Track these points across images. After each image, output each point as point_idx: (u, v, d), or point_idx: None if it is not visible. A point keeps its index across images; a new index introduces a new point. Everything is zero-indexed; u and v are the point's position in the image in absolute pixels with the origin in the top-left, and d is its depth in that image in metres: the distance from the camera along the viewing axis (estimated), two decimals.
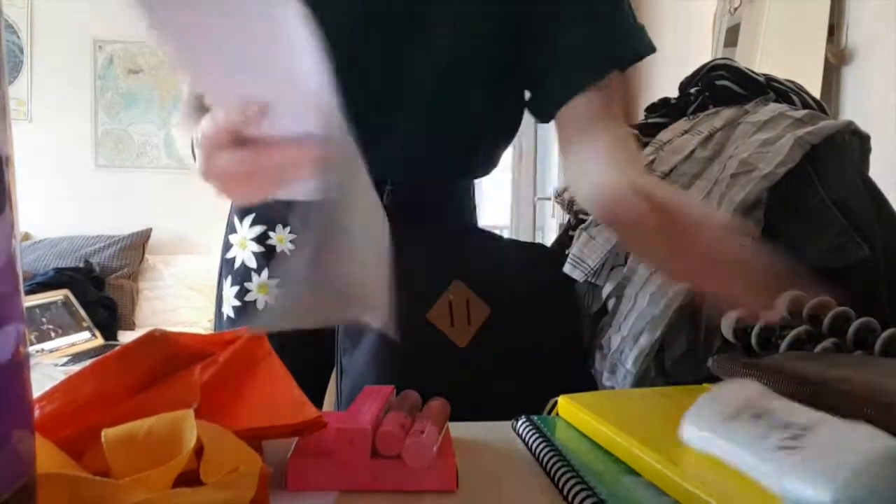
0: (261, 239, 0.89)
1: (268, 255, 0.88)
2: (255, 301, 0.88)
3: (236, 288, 0.89)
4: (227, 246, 0.92)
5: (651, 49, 0.82)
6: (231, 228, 0.92)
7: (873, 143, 0.83)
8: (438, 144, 0.85)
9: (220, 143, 0.51)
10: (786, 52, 1.80)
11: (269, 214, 0.89)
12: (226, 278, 0.91)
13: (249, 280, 0.88)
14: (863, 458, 0.32)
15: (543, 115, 0.84)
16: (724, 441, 0.40)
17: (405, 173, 0.85)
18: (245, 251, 0.89)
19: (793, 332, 0.59)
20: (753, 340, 0.61)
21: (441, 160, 0.87)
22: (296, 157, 0.49)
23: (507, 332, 0.77)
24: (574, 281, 0.86)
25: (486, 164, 0.92)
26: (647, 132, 0.93)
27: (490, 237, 0.92)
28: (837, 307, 0.60)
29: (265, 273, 0.88)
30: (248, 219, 0.90)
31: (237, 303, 0.89)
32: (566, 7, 0.78)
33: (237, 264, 0.90)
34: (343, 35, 0.77)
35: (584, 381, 0.84)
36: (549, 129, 3.15)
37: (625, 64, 0.81)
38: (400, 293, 0.77)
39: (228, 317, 0.90)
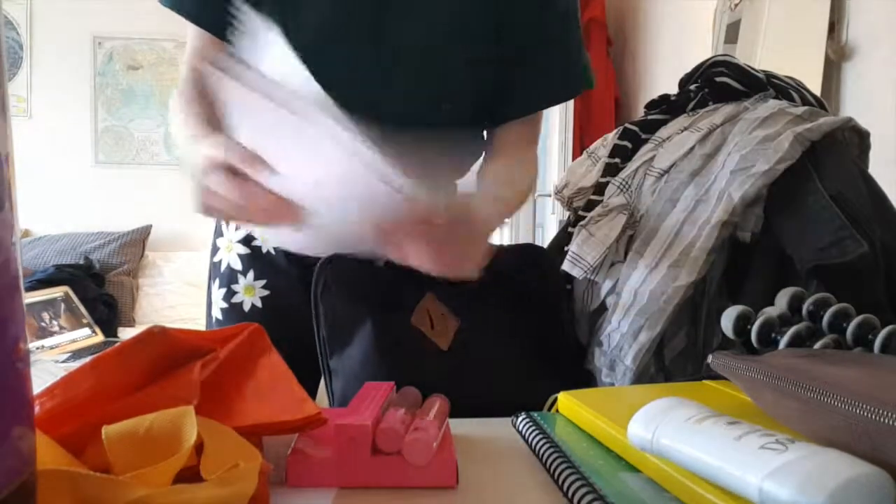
0: (246, 241, 0.89)
1: (253, 257, 0.89)
2: (241, 303, 0.88)
3: (223, 290, 0.90)
4: (214, 250, 0.93)
5: (590, 86, 0.90)
6: (218, 232, 0.93)
7: (873, 140, 0.83)
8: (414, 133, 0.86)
9: (218, 167, 0.55)
10: (786, 48, 1.80)
11: None
12: (214, 281, 0.92)
13: (236, 282, 0.89)
14: (855, 470, 0.32)
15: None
16: (692, 440, 0.38)
17: None
18: (231, 254, 0.90)
19: (792, 329, 0.59)
20: (753, 337, 0.61)
21: None
22: (275, 209, 0.53)
23: (489, 337, 0.78)
24: (569, 279, 0.86)
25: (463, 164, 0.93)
26: (646, 129, 0.93)
27: None
28: (837, 304, 0.60)
29: (251, 274, 0.88)
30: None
31: (224, 305, 0.89)
32: (541, 28, 0.84)
33: (223, 267, 0.90)
34: (323, 35, 0.78)
35: (580, 378, 0.84)
36: (549, 127, 3.15)
37: (564, 100, 0.93)
38: (386, 295, 0.78)
39: (217, 319, 0.90)
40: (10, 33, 3.66)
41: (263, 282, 0.88)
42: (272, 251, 0.88)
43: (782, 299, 0.63)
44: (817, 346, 0.58)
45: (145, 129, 3.86)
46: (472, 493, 0.45)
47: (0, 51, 0.25)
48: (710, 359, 0.54)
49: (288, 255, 0.88)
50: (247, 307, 0.88)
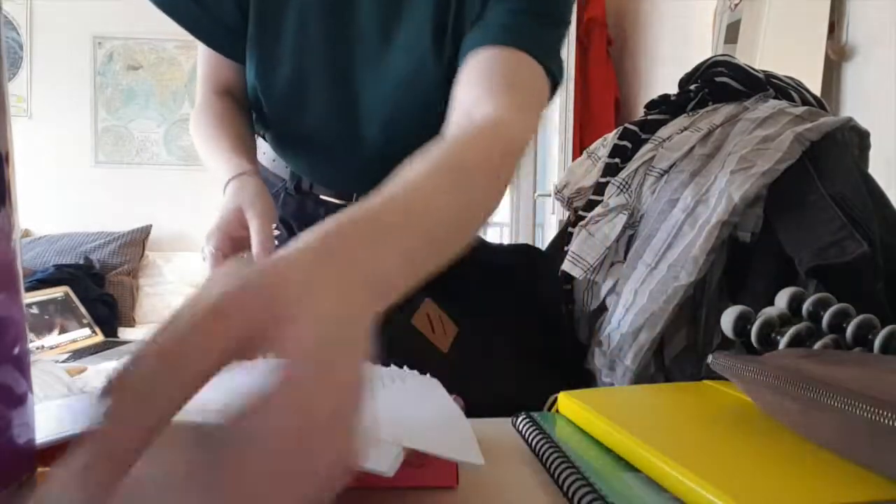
0: None
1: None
2: None
3: None
4: None
5: (560, 79, 0.76)
6: None
7: (873, 140, 0.83)
8: (395, 161, 0.86)
9: None
10: (786, 48, 1.80)
11: None
12: None
13: None
14: None
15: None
16: None
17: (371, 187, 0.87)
18: None
19: (792, 329, 0.59)
20: (753, 337, 0.61)
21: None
22: None
23: (488, 340, 0.78)
24: (569, 279, 0.86)
25: None
26: (646, 129, 0.92)
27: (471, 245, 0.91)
28: (837, 304, 0.60)
29: None
30: None
31: None
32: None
33: None
34: (296, 74, 0.80)
35: (580, 378, 0.84)
36: (549, 127, 3.15)
37: (544, 62, 0.72)
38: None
39: None
40: (11, 33, 3.66)
41: None
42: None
43: (782, 299, 0.63)
44: (817, 346, 0.58)
45: (145, 129, 3.86)
46: (472, 493, 0.45)
47: (0, 51, 0.25)
48: (709, 359, 0.54)
49: None
50: None
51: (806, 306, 0.62)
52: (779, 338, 0.60)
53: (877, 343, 0.56)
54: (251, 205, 0.68)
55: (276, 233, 0.89)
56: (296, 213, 0.89)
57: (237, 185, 0.72)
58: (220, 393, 0.41)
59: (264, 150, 0.92)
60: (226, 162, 0.75)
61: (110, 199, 3.82)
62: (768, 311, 0.63)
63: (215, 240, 0.67)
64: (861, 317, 0.58)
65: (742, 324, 0.63)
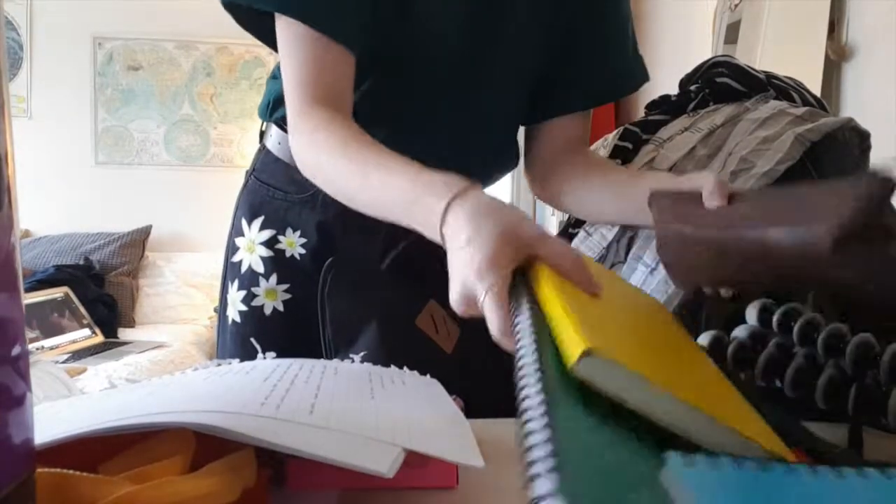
0: (270, 243, 0.86)
1: (277, 260, 0.86)
2: (262, 306, 0.86)
3: (243, 292, 0.87)
4: (232, 249, 0.90)
5: (644, 79, 0.91)
6: (237, 231, 0.90)
7: (873, 141, 0.83)
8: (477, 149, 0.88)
9: None
10: (786, 48, 1.80)
11: (279, 218, 0.87)
12: (231, 282, 0.89)
13: (257, 285, 0.86)
14: None
15: (531, 120, 0.90)
16: None
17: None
18: (253, 255, 0.87)
19: (763, 355, 0.55)
20: (729, 361, 0.57)
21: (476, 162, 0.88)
22: None
23: (490, 341, 0.78)
24: None
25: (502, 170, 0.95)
26: (647, 129, 0.92)
27: None
28: (806, 314, 0.56)
29: (273, 278, 0.86)
30: (257, 222, 0.87)
31: (244, 308, 0.87)
32: (596, 29, 0.86)
33: (244, 268, 0.87)
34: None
35: None
36: None
37: (619, 97, 0.91)
38: (390, 298, 0.77)
39: (234, 321, 0.88)
40: (11, 33, 3.66)
41: (287, 286, 0.85)
42: (297, 255, 0.86)
43: (751, 315, 0.59)
44: (790, 367, 0.54)
45: (145, 130, 3.86)
46: (472, 493, 0.45)
47: (0, 51, 0.25)
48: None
49: (314, 260, 0.85)
50: (268, 311, 0.86)
51: (776, 319, 0.57)
52: (756, 355, 0.56)
53: (848, 350, 0.53)
54: (541, 236, 0.51)
55: (303, 240, 0.87)
56: (342, 213, 0.85)
57: (476, 201, 0.54)
58: (218, 392, 0.41)
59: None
60: (427, 179, 0.58)
61: (110, 200, 3.82)
62: (738, 334, 0.59)
63: (497, 278, 0.50)
64: (829, 328, 0.54)
65: (718, 348, 0.59)
